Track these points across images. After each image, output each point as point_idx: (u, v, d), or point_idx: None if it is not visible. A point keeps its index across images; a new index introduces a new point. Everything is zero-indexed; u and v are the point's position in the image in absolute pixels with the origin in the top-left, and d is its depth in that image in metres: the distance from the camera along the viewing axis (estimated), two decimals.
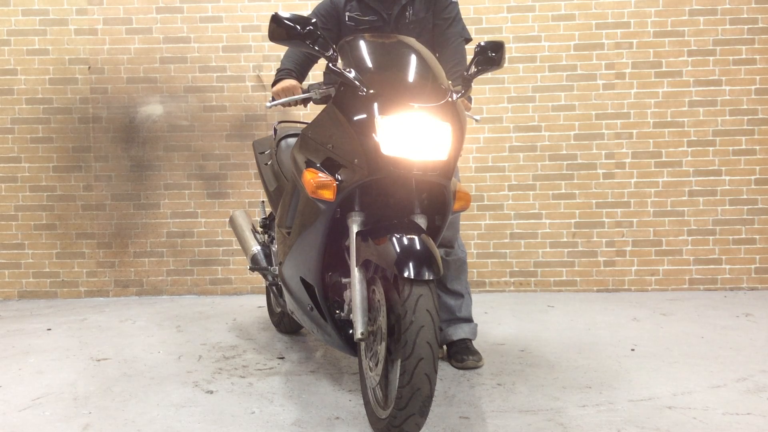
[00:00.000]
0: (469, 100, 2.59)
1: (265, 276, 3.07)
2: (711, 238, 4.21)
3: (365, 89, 2.00)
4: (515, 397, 2.33)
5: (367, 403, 2.09)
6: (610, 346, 2.96)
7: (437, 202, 2.16)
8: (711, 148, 4.19)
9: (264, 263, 3.01)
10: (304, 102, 2.45)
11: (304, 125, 2.55)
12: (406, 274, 1.83)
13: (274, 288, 3.00)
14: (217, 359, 2.85)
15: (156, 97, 4.29)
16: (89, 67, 4.28)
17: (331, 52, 2.09)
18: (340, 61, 2.14)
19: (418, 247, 1.89)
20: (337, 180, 2.05)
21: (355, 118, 1.98)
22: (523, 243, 4.26)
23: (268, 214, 3.23)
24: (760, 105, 4.17)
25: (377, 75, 2.08)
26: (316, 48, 2.07)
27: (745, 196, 4.19)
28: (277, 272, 2.74)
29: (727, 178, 4.19)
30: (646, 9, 4.18)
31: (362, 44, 2.20)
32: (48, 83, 4.29)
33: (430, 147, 1.95)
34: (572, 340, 3.08)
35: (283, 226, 2.50)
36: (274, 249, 2.99)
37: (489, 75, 4.05)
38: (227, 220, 3.82)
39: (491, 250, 4.27)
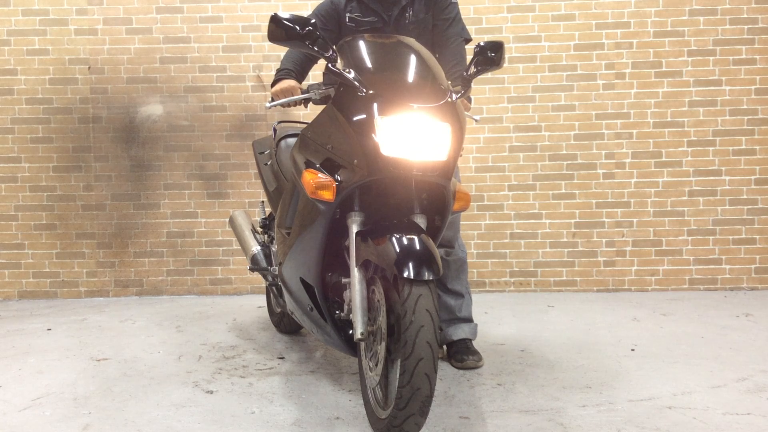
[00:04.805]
0: (469, 100, 2.59)
1: (265, 276, 3.07)
2: (711, 238, 4.21)
3: (365, 90, 2.00)
4: (515, 397, 2.33)
5: (367, 403, 2.09)
6: (610, 346, 2.96)
7: (437, 202, 2.16)
8: (711, 148, 4.19)
9: (264, 263, 3.01)
10: (304, 102, 2.45)
11: (304, 125, 2.56)
12: (405, 274, 1.82)
13: (274, 288, 3.00)
14: (217, 359, 2.85)
15: (156, 97, 4.29)
16: (89, 67, 4.28)
17: (330, 52, 2.09)
18: (339, 61, 2.14)
19: (417, 247, 1.89)
20: (336, 180, 2.05)
21: (355, 118, 1.98)
22: (523, 243, 4.26)
23: (268, 214, 3.23)
24: (760, 105, 4.17)
25: (377, 75, 2.08)
26: (316, 48, 2.07)
27: (745, 196, 4.19)
28: (276, 272, 2.74)
29: (727, 178, 4.19)
30: (646, 9, 4.18)
31: (362, 45, 2.20)
32: (48, 83, 4.29)
33: (430, 147, 1.94)
34: (572, 340, 3.08)
35: (283, 226, 2.50)
36: (273, 249, 2.99)
37: (489, 75, 4.05)
38: (227, 220, 3.82)
39: (491, 250, 4.27)
